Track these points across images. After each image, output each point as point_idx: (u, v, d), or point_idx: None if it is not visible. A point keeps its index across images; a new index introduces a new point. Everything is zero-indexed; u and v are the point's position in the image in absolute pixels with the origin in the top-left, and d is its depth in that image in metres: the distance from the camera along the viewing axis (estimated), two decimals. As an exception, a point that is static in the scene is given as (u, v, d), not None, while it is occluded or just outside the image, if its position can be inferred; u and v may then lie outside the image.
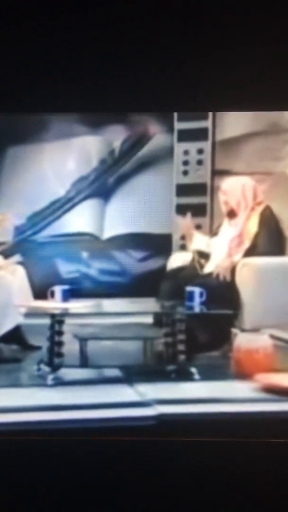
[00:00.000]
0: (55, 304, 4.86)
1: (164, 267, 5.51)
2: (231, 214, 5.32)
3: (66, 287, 5.00)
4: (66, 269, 5.83)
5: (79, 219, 6.01)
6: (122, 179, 6.05)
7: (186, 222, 5.47)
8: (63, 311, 4.80)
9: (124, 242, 5.94)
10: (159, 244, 5.73)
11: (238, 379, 4.68)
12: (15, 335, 5.05)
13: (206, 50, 4.51)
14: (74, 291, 5.24)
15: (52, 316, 4.71)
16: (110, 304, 5.32)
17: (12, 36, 4.49)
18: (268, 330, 4.91)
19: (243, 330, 4.92)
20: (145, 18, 4.53)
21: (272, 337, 4.87)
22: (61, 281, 5.36)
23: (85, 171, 5.99)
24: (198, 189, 5.92)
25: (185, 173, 5.97)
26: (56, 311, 4.77)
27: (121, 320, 5.06)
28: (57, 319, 4.68)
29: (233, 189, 5.34)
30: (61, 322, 4.68)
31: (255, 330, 4.89)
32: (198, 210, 5.84)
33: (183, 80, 4.54)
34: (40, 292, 5.13)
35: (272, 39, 4.47)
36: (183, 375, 4.72)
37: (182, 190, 5.95)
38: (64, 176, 5.94)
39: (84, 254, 5.90)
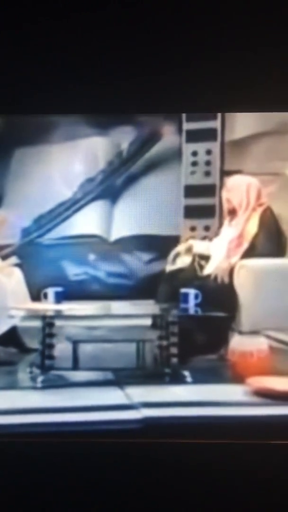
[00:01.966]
0: (46, 306, 4.83)
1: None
2: (232, 212, 5.25)
3: (59, 289, 4.96)
4: (72, 271, 5.80)
5: (86, 221, 5.98)
6: (130, 181, 6.00)
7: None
8: (55, 313, 4.77)
9: (131, 244, 5.89)
10: (167, 246, 5.66)
11: (233, 382, 4.60)
12: (12, 338, 5.03)
13: (215, 50, 4.48)
14: (80, 293, 5.22)
15: (43, 318, 4.68)
16: (108, 306, 5.29)
17: (20, 37, 4.49)
18: (266, 332, 4.83)
19: (241, 333, 4.84)
20: (155, 18, 4.50)
21: (270, 337, 4.79)
22: (68, 283, 5.33)
23: (93, 173, 5.96)
24: (206, 190, 5.85)
25: (194, 174, 5.90)
26: (50, 313, 4.74)
27: (116, 322, 5.01)
28: (47, 321, 4.65)
29: (238, 187, 5.26)
30: (51, 325, 4.65)
31: (255, 332, 4.81)
32: (207, 211, 5.78)
33: (191, 80, 4.51)
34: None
35: (282, 39, 4.42)
36: (176, 378, 4.65)
37: (191, 191, 5.89)
38: (71, 178, 5.92)
39: (91, 256, 5.86)
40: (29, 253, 5.63)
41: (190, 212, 5.84)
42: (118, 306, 5.27)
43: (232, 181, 5.33)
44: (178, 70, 4.50)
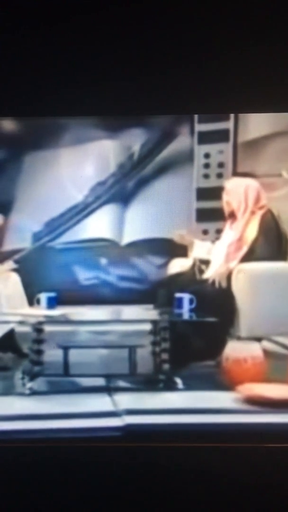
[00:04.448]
0: (37, 311, 4.80)
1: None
2: (232, 216, 5.16)
3: (52, 294, 4.93)
4: (83, 275, 5.77)
5: (97, 225, 5.95)
6: (141, 184, 5.95)
7: (182, 238, 5.31)
8: (46, 319, 4.74)
9: (143, 248, 5.83)
10: (178, 250, 5.59)
11: (225, 388, 4.52)
12: (9, 343, 5.02)
13: (227, 50, 4.46)
14: (91, 297, 5.18)
15: (33, 324, 4.66)
16: (106, 311, 5.23)
17: (29, 38, 4.51)
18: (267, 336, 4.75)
19: (239, 338, 4.75)
20: (166, 19, 4.49)
21: (271, 341, 4.70)
22: (79, 288, 5.31)
23: (104, 176, 5.92)
24: (218, 192, 5.76)
25: (206, 176, 5.81)
26: (40, 319, 4.71)
27: (110, 328, 4.96)
28: (36, 327, 4.63)
29: (236, 189, 5.18)
30: (40, 330, 4.63)
31: (254, 337, 4.72)
32: (219, 214, 5.69)
33: (203, 81, 4.48)
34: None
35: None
36: (167, 385, 4.58)
37: (203, 193, 5.80)
38: (82, 181, 5.89)
39: (102, 260, 5.83)
40: (39, 257, 5.62)
41: (202, 215, 5.75)
42: (120, 311, 5.23)
43: (230, 184, 5.25)
44: (189, 71, 4.49)
